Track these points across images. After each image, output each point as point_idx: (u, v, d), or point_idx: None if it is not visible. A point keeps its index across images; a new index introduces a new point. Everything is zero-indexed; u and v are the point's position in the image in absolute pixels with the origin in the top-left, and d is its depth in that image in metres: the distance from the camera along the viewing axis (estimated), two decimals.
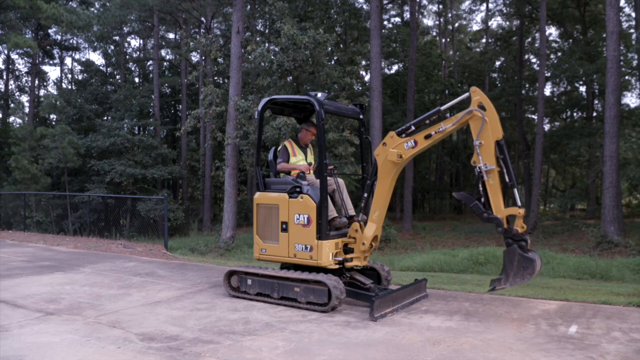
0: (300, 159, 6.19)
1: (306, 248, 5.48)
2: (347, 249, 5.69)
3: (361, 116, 6.37)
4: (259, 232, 5.93)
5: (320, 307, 5.31)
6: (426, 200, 42.06)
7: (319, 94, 5.63)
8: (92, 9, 29.49)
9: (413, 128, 5.39)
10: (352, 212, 5.94)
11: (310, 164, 6.13)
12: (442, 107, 5.38)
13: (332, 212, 5.63)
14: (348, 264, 5.66)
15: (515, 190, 4.96)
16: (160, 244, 12.38)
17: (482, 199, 5.00)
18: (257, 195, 5.99)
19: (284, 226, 5.65)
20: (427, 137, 5.22)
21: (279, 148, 6.29)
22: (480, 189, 4.99)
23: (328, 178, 5.67)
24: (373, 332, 4.62)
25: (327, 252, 5.41)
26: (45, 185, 24.14)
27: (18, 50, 31.62)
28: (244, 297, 5.97)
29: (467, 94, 5.15)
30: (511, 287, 5.06)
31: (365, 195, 5.65)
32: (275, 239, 5.76)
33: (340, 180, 6.04)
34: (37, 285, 6.90)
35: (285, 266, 5.97)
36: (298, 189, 5.63)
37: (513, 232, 4.89)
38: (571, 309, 5.52)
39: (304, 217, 5.49)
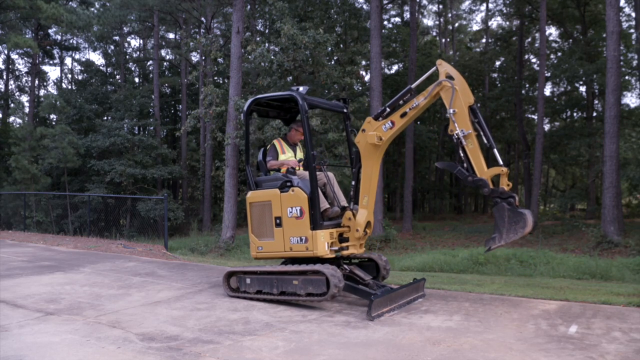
0: (289, 157, 6.30)
1: (301, 240, 5.49)
2: (342, 239, 5.74)
3: (345, 110, 6.44)
4: (254, 231, 5.95)
5: (319, 298, 5.31)
6: (426, 200, 42.04)
7: (301, 88, 5.74)
8: (92, 9, 29.46)
9: (388, 110, 5.48)
10: (344, 203, 6.02)
11: (300, 160, 6.20)
12: (413, 85, 5.48)
13: (324, 204, 5.70)
14: (345, 252, 5.70)
15: (495, 151, 5.00)
16: (160, 244, 12.38)
17: (465, 165, 5.06)
18: (249, 194, 6.02)
19: (278, 221, 5.68)
20: (403, 115, 5.33)
21: (267, 147, 6.37)
22: (462, 155, 5.06)
23: (318, 172, 5.73)
24: (373, 332, 4.62)
25: (322, 242, 5.43)
26: (45, 185, 24.13)
27: (18, 50, 31.62)
28: (244, 297, 5.97)
29: (434, 68, 5.31)
30: (506, 244, 5.06)
31: (354, 183, 5.72)
32: (270, 235, 5.77)
33: (330, 174, 6.12)
34: (37, 285, 6.90)
35: (284, 263, 5.99)
36: (289, 183, 5.68)
37: (500, 191, 4.94)
38: (571, 309, 5.52)
39: (296, 210, 5.52)
